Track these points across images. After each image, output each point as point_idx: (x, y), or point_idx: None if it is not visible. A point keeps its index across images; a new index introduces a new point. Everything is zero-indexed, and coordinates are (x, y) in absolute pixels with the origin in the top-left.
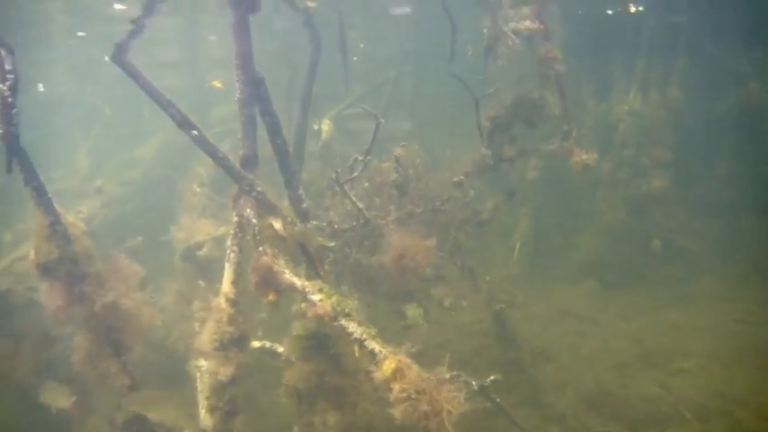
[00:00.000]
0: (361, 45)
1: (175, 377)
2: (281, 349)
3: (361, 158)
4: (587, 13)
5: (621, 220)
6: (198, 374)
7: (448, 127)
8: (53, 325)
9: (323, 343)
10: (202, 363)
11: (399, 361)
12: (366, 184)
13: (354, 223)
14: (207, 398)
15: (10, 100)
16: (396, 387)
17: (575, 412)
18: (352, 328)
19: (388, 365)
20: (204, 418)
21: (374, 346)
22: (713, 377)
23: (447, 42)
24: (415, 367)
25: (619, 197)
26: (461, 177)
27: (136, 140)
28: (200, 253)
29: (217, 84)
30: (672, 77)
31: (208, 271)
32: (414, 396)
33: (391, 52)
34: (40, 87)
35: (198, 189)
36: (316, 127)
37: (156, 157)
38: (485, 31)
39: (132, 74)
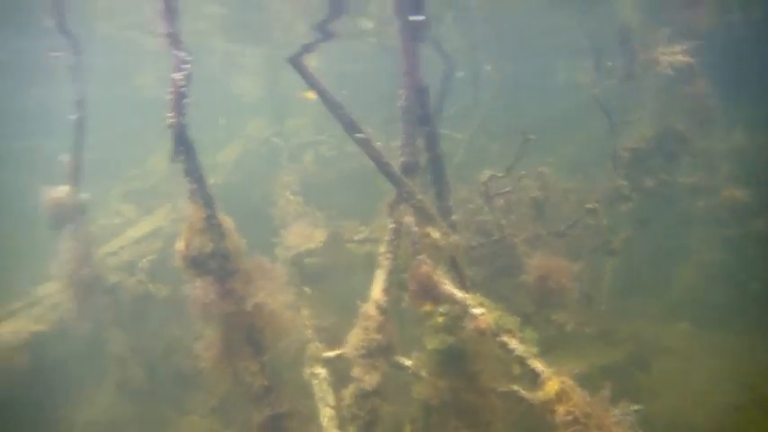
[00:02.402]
0: (488, 67)
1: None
2: (408, 362)
3: (500, 175)
4: None
5: (719, 259)
6: (315, 382)
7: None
8: (200, 320)
9: (459, 359)
10: (319, 370)
11: (563, 382)
12: (501, 202)
13: (484, 240)
14: (347, 406)
15: (183, 90)
16: (560, 409)
17: None
18: (514, 345)
19: (552, 386)
20: (328, 426)
21: (537, 365)
22: None
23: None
24: (579, 390)
25: (717, 236)
26: (595, 204)
27: (213, 146)
28: (308, 260)
29: (308, 95)
30: None
31: (314, 279)
32: (582, 420)
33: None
34: None
35: (291, 197)
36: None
37: (236, 162)
38: (609, 63)
39: (305, 75)
